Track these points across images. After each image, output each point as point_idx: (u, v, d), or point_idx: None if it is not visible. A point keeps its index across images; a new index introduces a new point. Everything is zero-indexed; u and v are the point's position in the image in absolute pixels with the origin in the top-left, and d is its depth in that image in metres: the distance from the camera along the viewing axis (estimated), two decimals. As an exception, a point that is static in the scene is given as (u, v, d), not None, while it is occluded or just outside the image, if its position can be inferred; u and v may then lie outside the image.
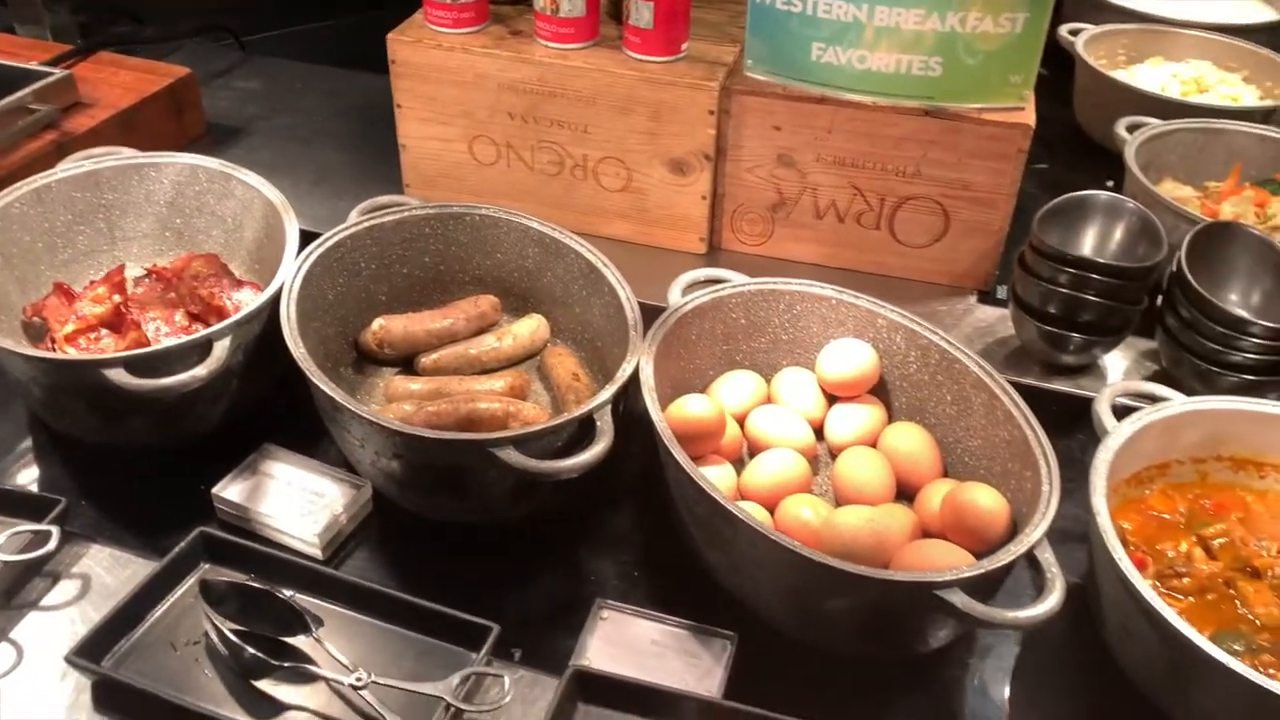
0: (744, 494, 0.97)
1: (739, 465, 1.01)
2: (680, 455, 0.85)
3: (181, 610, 0.88)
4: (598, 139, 1.32)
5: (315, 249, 1.07)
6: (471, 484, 0.91)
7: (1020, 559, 0.79)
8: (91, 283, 1.14)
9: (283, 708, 0.81)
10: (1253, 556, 0.90)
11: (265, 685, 0.82)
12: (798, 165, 1.30)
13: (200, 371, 0.93)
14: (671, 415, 0.95)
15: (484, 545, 0.99)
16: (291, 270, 1.04)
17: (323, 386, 0.91)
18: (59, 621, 0.88)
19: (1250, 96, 1.63)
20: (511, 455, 0.85)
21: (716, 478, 0.95)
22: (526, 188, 1.39)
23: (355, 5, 2.03)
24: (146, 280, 1.18)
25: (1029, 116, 1.21)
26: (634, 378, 0.94)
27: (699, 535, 0.89)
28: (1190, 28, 1.74)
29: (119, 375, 0.91)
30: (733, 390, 1.06)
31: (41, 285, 1.16)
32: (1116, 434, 0.91)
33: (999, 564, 0.78)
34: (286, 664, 0.82)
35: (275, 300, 1.00)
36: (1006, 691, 0.89)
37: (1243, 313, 1.10)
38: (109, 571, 0.92)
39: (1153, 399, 0.96)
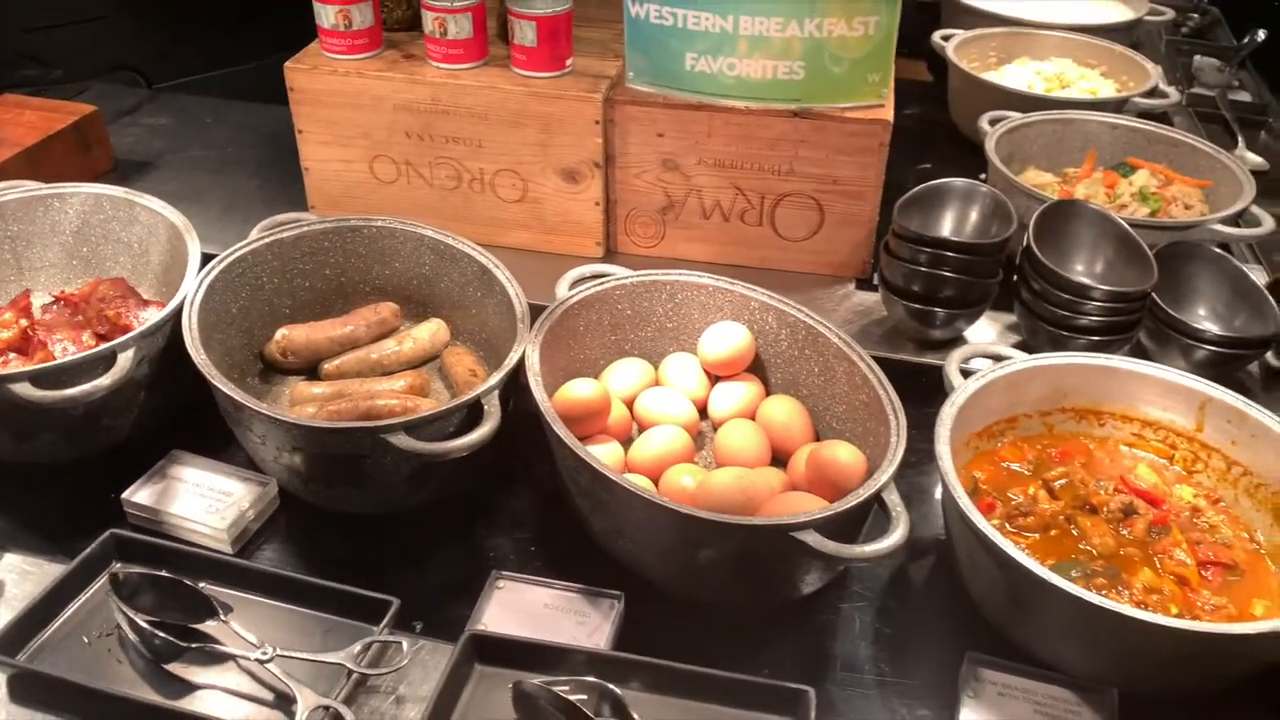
0: (631, 468, 1.03)
1: (629, 444, 1.07)
2: (562, 430, 0.92)
3: (93, 607, 0.92)
4: (492, 153, 1.39)
5: (217, 265, 1.12)
6: (369, 472, 0.97)
7: (870, 500, 0.87)
8: (12, 303, 1.18)
9: (194, 687, 0.86)
10: (1091, 495, 0.99)
11: (176, 668, 0.87)
12: (682, 169, 1.38)
13: (104, 381, 0.98)
14: (559, 398, 1.02)
15: (387, 532, 1.04)
16: (193, 285, 1.09)
17: (223, 388, 0.96)
18: (-27, 626, 0.91)
19: (1108, 90, 1.76)
20: (403, 440, 0.91)
21: (604, 454, 1.02)
22: (427, 203, 1.45)
23: (261, 50, 2.08)
24: (54, 307, 1.22)
25: (887, 113, 1.31)
26: (521, 365, 1.01)
27: (584, 505, 0.96)
28: (1053, 29, 1.87)
29: (25, 389, 0.96)
30: (622, 376, 1.13)
31: (-50, 315, 1.19)
32: (962, 390, 1.00)
33: (848, 505, 0.86)
34: (194, 645, 0.87)
35: (178, 314, 1.05)
36: (874, 627, 0.96)
37: (1085, 280, 1.20)
38: (23, 577, 0.96)
39: (998, 358, 1.05)
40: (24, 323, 1.14)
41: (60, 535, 1.01)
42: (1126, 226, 1.25)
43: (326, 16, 1.35)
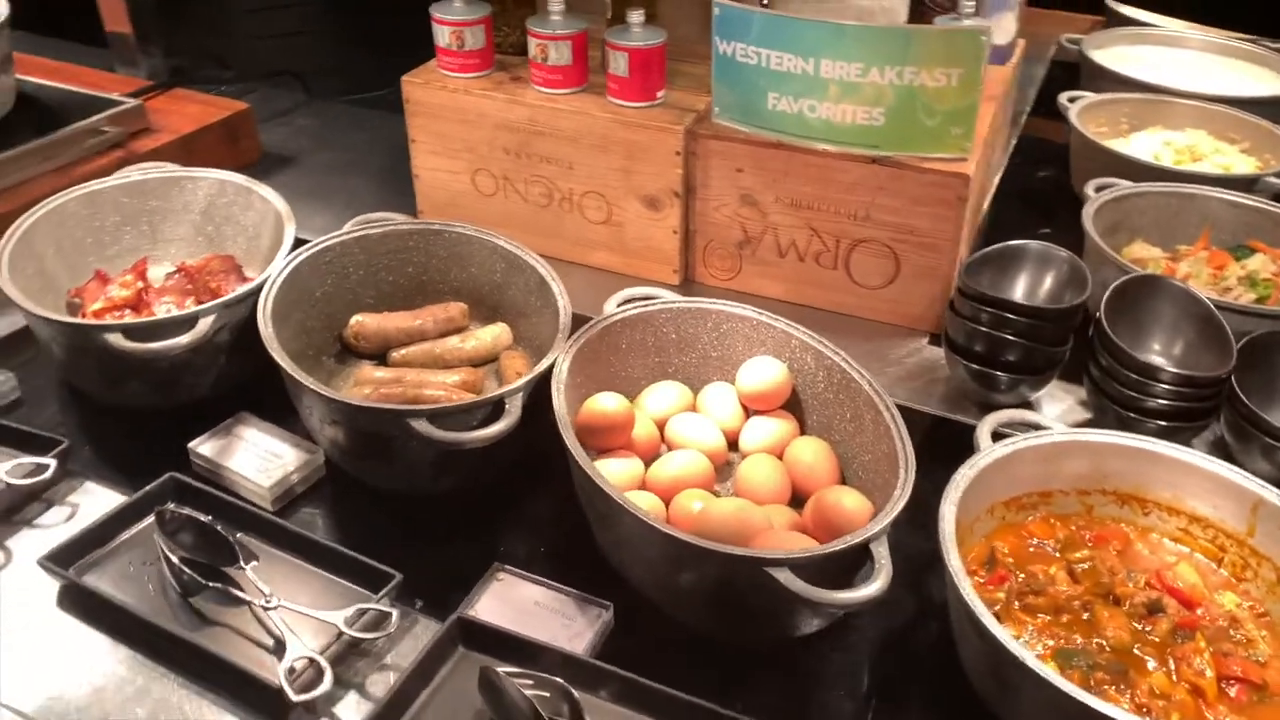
0: (647, 485, 1.06)
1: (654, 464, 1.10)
2: (570, 437, 0.96)
3: (144, 539, 1.02)
4: (581, 175, 1.45)
5: (304, 251, 1.23)
6: (397, 452, 1.04)
7: (857, 548, 0.86)
8: (123, 271, 1.32)
9: (208, 622, 0.95)
10: (1117, 585, 0.94)
11: (197, 602, 0.96)
12: (759, 205, 1.40)
13: (183, 340, 1.09)
14: (584, 409, 1.06)
15: (415, 514, 1.11)
16: (278, 267, 1.19)
17: (279, 360, 1.05)
18: (45, 537, 1.03)
19: (1244, 166, 1.66)
20: (424, 426, 0.97)
21: (622, 469, 1.05)
22: (522, 218, 1.53)
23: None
24: (175, 275, 1.36)
25: (968, 167, 1.29)
26: (551, 371, 1.05)
27: (590, 515, 0.99)
28: (1191, 98, 1.78)
29: (117, 339, 1.08)
30: (659, 397, 1.16)
31: (87, 273, 1.34)
32: (986, 454, 0.97)
33: (830, 549, 0.85)
34: (214, 585, 0.95)
35: (259, 290, 1.16)
36: (864, 683, 0.94)
37: (1154, 359, 1.14)
38: (93, 503, 1.08)
39: (1036, 427, 1.02)
40: (140, 285, 1.28)
41: (133, 471, 1.12)
42: (1211, 307, 1.18)
43: (442, 36, 1.46)
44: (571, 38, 1.41)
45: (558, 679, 0.86)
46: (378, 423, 1.01)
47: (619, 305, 1.17)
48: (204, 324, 1.11)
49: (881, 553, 0.86)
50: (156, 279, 1.33)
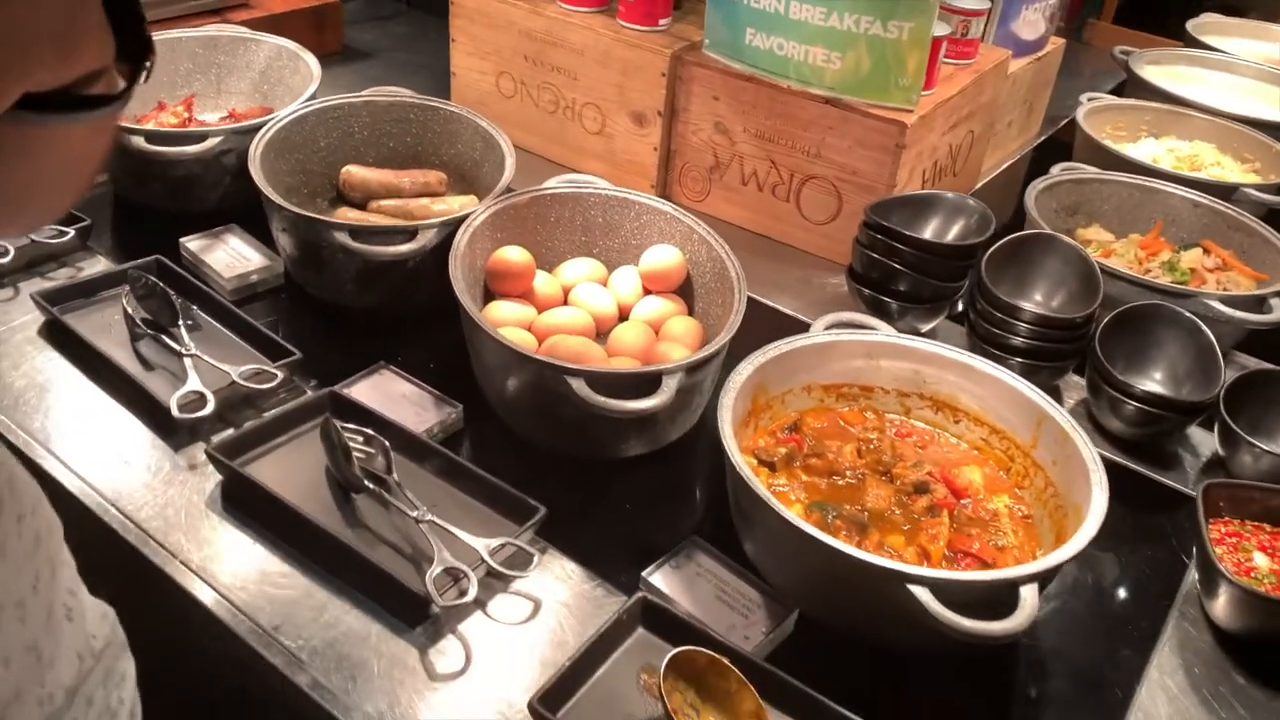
0: (533, 328, 1.21)
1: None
2: (455, 273, 1.13)
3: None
4: (583, 86, 1.62)
5: (315, 103, 1.44)
6: (325, 262, 1.23)
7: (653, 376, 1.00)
8: (176, 103, 1.58)
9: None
10: (896, 465, 1.04)
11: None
12: (729, 133, 1.53)
13: (189, 149, 1.32)
14: (493, 256, 1.23)
15: (340, 318, 1.30)
16: (287, 111, 1.41)
17: (254, 174, 1.26)
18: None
19: (1239, 180, 1.67)
20: (344, 238, 1.16)
21: (512, 309, 1.21)
22: (532, 121, 1.70)
23: None
24: (225, 118, 1.60)
25: (909, 117, 1.38)
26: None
27: (464, 330, 1.16)
28: (1211, 114, 1.79)
29: (139, 141, 1.32)
30: (574, 268, 1.31)
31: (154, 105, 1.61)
32: (806, 337, 1.08)
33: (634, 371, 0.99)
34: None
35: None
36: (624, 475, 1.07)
37: (1021, 303, 1.22)
38: (95, 266, 1.32)
39: (864, 327, 1.12)
40: (186, 115, 1.53)
41: (132, 252, 1.34)
42: (1095, 266, 1.24)
43: (487, -51, 1.65)
44: (591, -38, 1.57)
45: (385, 441, 1.03)
46: (311, 232, 1.21)
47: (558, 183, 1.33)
48: (211, 141, 1.34)
49: (671, 382, 0.99)
50: (211, 120, 1.58)
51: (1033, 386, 1.04)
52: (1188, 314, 1.21)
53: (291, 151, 1.40)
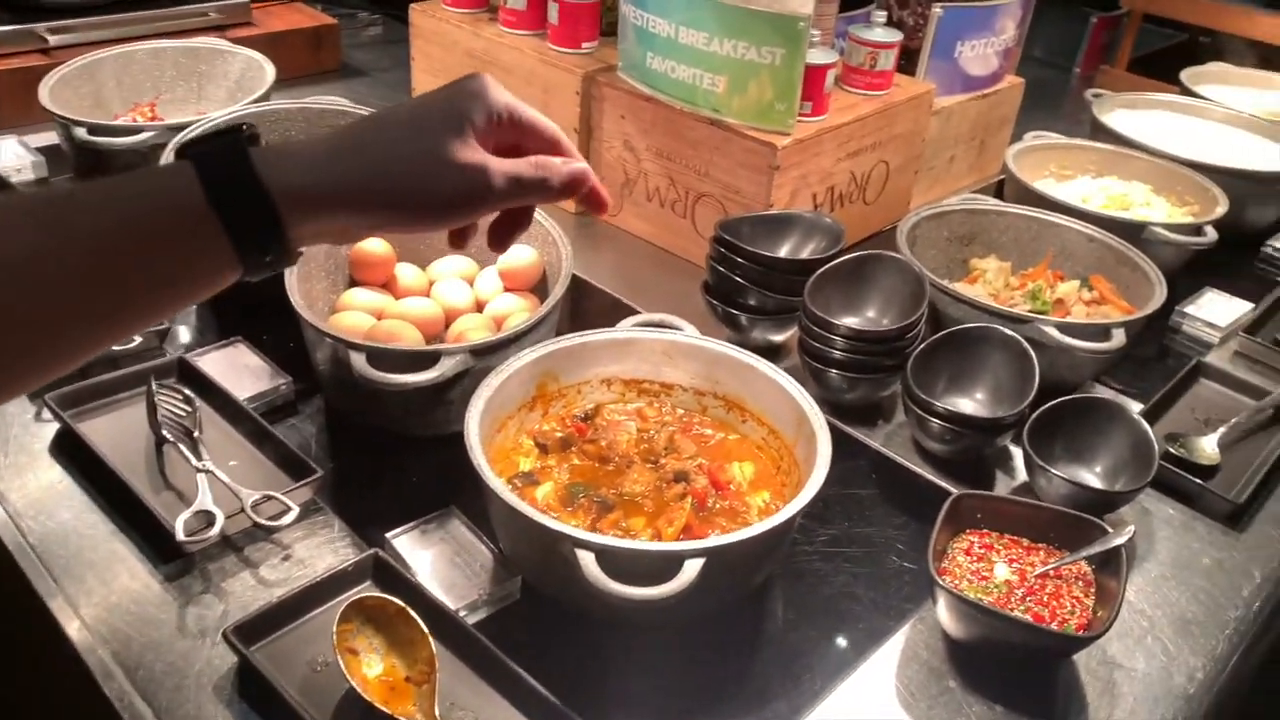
0: (383, 315, 1.30)
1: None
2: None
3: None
4: (512, 103, 1.72)
5: (253, 107, 1.59)
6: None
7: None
8: (140, 105, 1.76)
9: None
10: (664, 454, 1.08)
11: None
12: (635, 151, 1.60)
13: (124, 140, 1.48)
14: (354, 247, 1.33)
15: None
16: (223, 111, 1.56)
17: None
18: None
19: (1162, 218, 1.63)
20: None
21: (365, 297, 1.30)
22: (474, 135, 1.82)
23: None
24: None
25: (782, 140, 1.43)
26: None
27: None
28: (1154, 155, 1.75)
29: (81, 132, 1.49)
30: (445, 264, 1.39)
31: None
32: (603, 332, 1.14)
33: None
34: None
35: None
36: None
37: (843, 319, 1.24)
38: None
39: (672, 328, 1.17)
40: (150, 115, 1.70)
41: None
42: (925, 283, 1.25)
43: (441, -26, 1.79)
44: (527, -13, 1.69)
45: (195, 402, 1.14)
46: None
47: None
48: (146, 134, 1.50)
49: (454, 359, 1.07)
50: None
51: (800, 389, 1.07)
52: (1017, 338, 1.21)
53: (224, 149, 1.55)
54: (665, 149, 1.56)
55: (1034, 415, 1.15)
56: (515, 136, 0.73)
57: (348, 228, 0.69)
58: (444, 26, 1.78)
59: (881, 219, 1.72)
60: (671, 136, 1.54)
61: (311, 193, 0.65)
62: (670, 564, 0.85)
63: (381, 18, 2.47)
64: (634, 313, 1.35)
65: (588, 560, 0.85)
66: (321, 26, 2.15)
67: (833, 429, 1.08)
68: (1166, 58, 2.76)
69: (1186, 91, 2.14)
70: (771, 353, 1.38)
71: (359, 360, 1.07)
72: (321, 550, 1.03)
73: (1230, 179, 1.70)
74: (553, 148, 0.75)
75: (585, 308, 1.55)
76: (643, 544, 0.91)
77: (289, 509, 1.03)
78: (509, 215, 0.78)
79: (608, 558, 0.85)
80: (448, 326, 1.30)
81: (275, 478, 1.09)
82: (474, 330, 1.22)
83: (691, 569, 0.85)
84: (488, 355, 1.12)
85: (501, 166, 0.70)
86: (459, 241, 0.79)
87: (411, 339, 1.20)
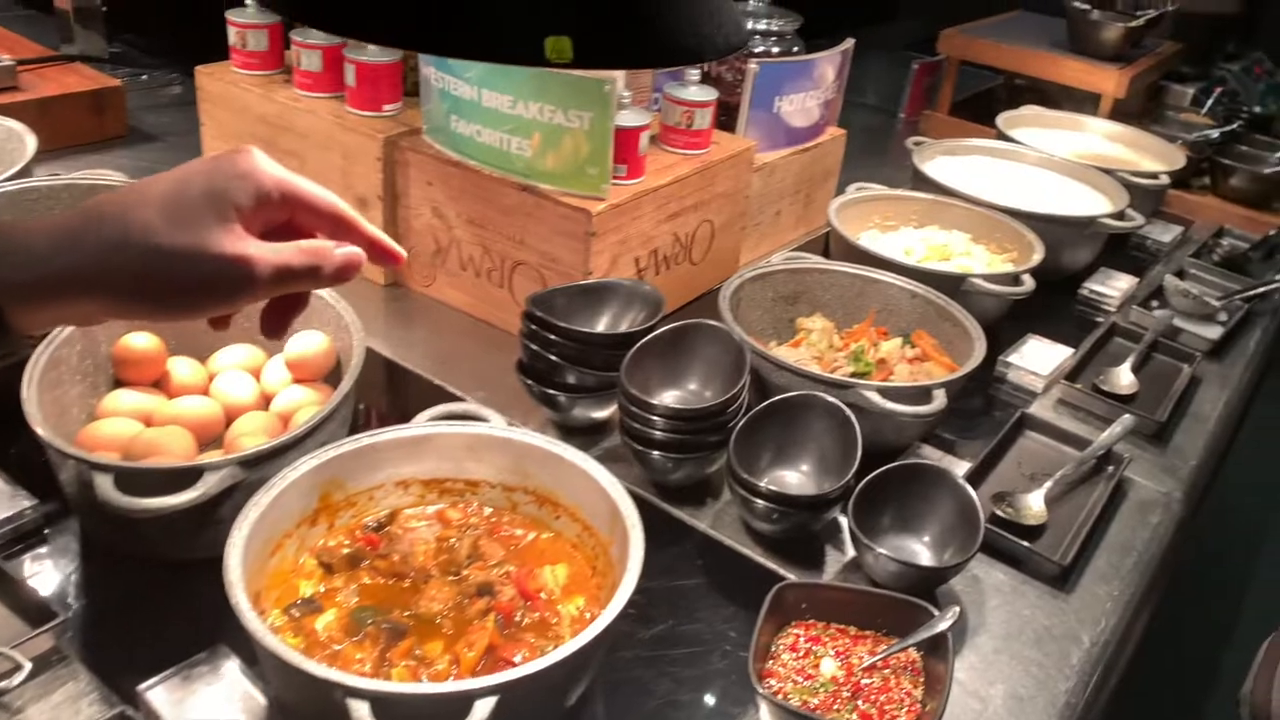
0: (154, 419, 1.16)
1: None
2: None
3: None
4: (311, 169, 1.60)
5: (10, 184, 1.42)
6: None
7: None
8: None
9: None
10: (467, 565, 0.98)
11: None
12: (446, 219, 1.51)
13: None
14: (117, 343, 1.18)
15: None
16: (-27, 189, 1.38)
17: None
18: None
19: (984, 269, 1.64)
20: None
21: (131, 399, 1.15)
22: (275, 204, 1.68)
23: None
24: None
25: (595, 205, 1.36)
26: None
27: (71, 423, 1.11)
28: (974, 204, 1.77)
29: None
30: (228, 354, 1.26)
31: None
32: (395, 429, 1.03)
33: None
34: None
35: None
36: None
37: (661, 397, 1.17)
38: None
39: (474, 419, 1.07)
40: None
41: None
42: (745, 351, 1.20)
43: (230, 35, 1.65)
44: (323, 49, 1.57)
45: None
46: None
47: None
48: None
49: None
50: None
51: (612, 480, 0.98)
52: (840, 405, 1.17)
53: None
54: (477, 216, 1.47)
55: (860, 486, 1.10)
56: (289, 214, 0.69)
57: (92, 313, 0.64)
58: (233, 90, 1.65)
59: (711, 278, 1.67)
60: (483, 203, 1.45)
61: (35, 285, 0.61)
62: (457, 707, 0.75)
63: (179, 76, 2.30)
64: (450, 397, 1.25)
65: (361, 712, 0.73)
66: (103, 89, 1.98)
67: (658, 512, 1.00)
68: (986, 100, 2.87)
69: (1003, 136, 2.20)
70: (596, 430, 1.30)
71: (104, 483, 0.93)
72: (60, 712, 0.88)
73: (1045, 224, 1.73)
74: (334, 224, 0.71)
75: (398, 393, 1.44)
76: (424, 687, 0.80)
77: (19, 666, 0.87)
78: (282, 300, 0.72)
79: (385, 706, 0.74)
80: (230, 426, 1.16)
81: (7, 626, 0.93)
82: (249, 435, 1.09)
83: (482, 710, 0.74)
84: (262, 465, 0.99)
85: (266, 255, 0.64)
86: (220, 325, 0.72)
87: (179, 449, 1.06)
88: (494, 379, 1.37)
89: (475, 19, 0.63)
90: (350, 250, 0.69)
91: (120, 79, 2.04)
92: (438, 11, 0.63)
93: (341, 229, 0.71)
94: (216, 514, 0.98)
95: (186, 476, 0.95)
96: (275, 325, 0.73)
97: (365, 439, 1.02)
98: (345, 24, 0.67)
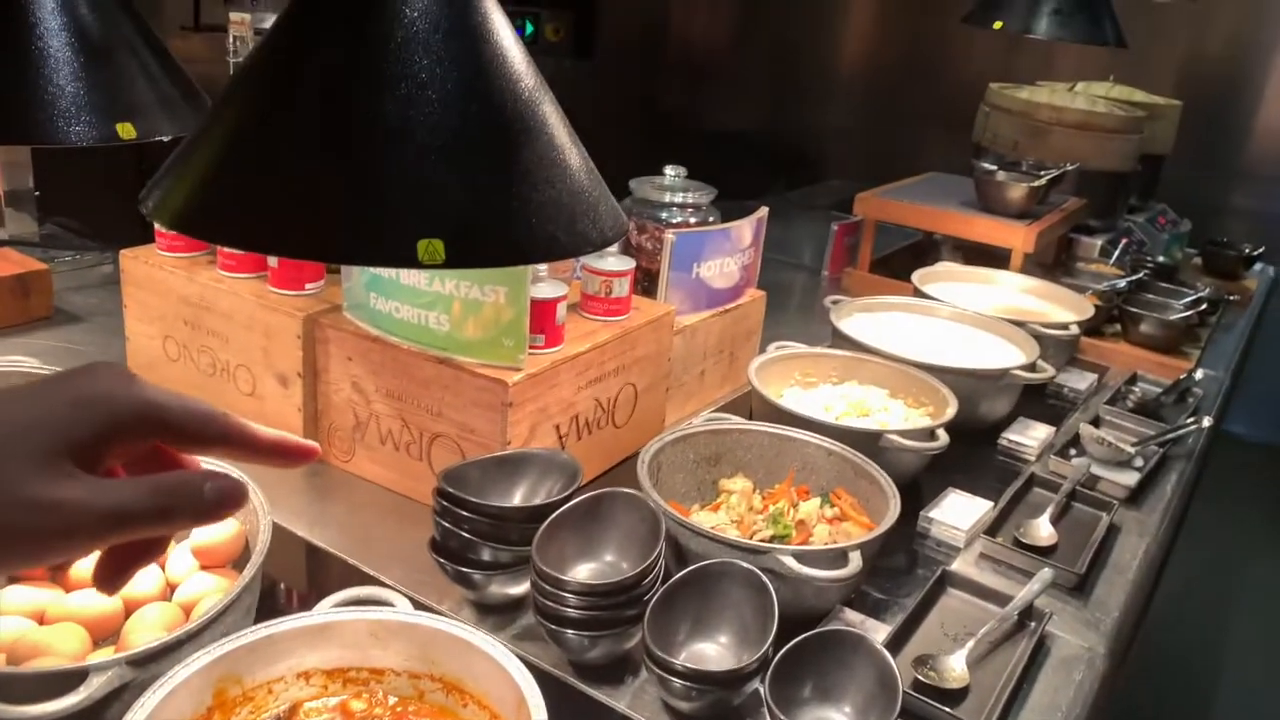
0: (46, 618, 1.11)
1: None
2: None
3: None
4: (235, 348, 1.61)
5: (-83, 373, 1.40)
6: None
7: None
8: None
9: None
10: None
11: None
12: (365, 393, 1.51)
13: None
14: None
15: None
16: (-124, 381, 1.36)
17: None
18: None
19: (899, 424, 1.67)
20: None
21: (25, 596, 1.11)
22: (196, 383, 1.68)
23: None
24: None
25: (512, 376, 1.37)
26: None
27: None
28: (889, 359, 1.82)
29: None
30: (137, 541, 1.23)
31: None
32: (295, 619, 1.00)
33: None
34: None
35: None
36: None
37: (566, 566, 1.16)
38: None
39: (379, 603, 1.05)
40: None
41: None
42: (660, 522, 1.20)
43: (154, 219, 1.68)
44: (246, 231, 1.61)
45: None
46: None
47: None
48: None
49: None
50: None
51: (519, 666, 0.96)
52: (756, 572, 1.16)
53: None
54: (395, 390, 1.47)
55: (778, 656, 1.08)
56: (163, 438, 0.60)
57: None
58: (157, 273, 1.67)
59: (636, 440, 1.68)
60: (401, 377, 1.46)
61: None
62: None
63: (111, 256, 2.33)
64: (365, 576, 1.22)
65: None
66: (29, 273, 1.99)
67: (574, 693, 0.97)
68: (908, 255, 2.99)
69: (919, 292, 2.29)
70: (514, 607, 1.28)
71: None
72: None
73: (959, 378, 1.78)
74: (222, 442, 0.61)
75: (312, 573, 1.40)
76: None
77: None
78: (126, 547, 0.60)
79: None
80: (128, 620, 1.12)
81: None
82: (144, 630, 1.05)
83: None
84: (153, 663, 0.95)
85: (94, 500, 0.54)
86: (59, 573, 0.65)
87: (69, 650, 1.02)
88: (411, 556, 1.35)
89: (354, 226, 0.65)
90: (225, 487, 0.59)
91: (49, 261, 2.06)
92: (322, 223, 0.65)
93: (234, 444, 0.62)
94: (104, 718, 0.93)
95: (70, 679, 0.91)
96: (107, 577, 0.60)
97: (264, 629, 0.98)
98: (239, 238, 0.69)
